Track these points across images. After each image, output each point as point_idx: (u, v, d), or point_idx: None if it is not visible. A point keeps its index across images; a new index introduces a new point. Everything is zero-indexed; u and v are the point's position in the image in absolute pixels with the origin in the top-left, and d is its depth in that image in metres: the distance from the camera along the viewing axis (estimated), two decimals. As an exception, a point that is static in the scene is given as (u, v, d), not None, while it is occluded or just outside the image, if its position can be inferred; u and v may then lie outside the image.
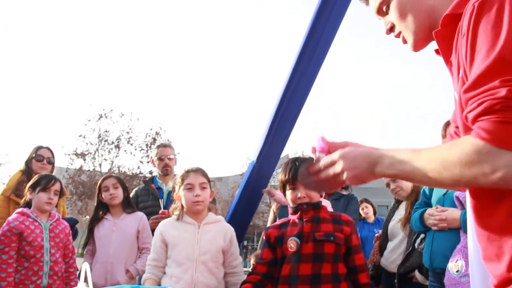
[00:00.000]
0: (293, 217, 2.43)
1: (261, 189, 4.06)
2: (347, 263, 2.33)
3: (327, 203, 3.07)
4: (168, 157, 4.10)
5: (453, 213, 2.75)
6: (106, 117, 21.49)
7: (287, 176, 2.42)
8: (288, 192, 2.45)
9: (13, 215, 3.11)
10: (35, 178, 3.28)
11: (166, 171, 4.09)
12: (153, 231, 3.62)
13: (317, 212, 2.38)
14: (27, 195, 3.19)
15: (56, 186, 3.20)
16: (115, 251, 3.43)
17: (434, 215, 2.83)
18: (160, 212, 3.77)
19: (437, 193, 2.98)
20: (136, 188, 4.26)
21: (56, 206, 3.61)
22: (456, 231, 2.74)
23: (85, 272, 1.14)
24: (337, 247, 2.28)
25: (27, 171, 3.80)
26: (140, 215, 3.63)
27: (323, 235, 2.27)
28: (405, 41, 1.28)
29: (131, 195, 3.91)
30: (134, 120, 22.35)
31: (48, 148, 4.06)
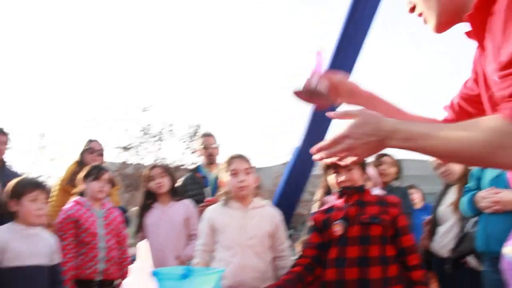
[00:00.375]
0: (338, 202, 2.43)
1: (307, 173, 4.07)
2: (396, 245, 2.31)
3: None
4: (212, 146, 4.18)
5: (508, 195, 2.68)
6: (148, 110, 21.89)
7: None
8: (331, 177, 2.46)
9: (69, 204, 3.26)
10: (86, 168, 3.42)
11: (210, 159, 4.16)
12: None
13: (361, 196, 2.37)
14: (81, 185, 3.33)
15: (107, 175, 3.33)
16: (164, 238, 3.52)
17: (487, 197, 2.76)
18: (206, 200, 3.82)
19: (489, 175, 2.90)
20: (182, 178, 4.34)
21: (109, 196, 3.77)
22: (511, 214, 2.67)
23: (141, 251, 1.18)
24: (384, 229, 2.27)
25: (81, 162, 3.96)
26: (187, 203, 3.70)
27: (369, 218, 2.27)
28: (426, 22, 1.26)
29: (177, 184, 3.98)
30: (175, 112, 22.71)
31: (98, 142, 4.25)
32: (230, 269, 2.43)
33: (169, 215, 3.58)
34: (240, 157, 2.75)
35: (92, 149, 4.14)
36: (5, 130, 4.01)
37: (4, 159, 4.03)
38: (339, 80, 1.58)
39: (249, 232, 2.60)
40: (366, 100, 1.58)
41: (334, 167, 2.43)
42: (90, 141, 4.21)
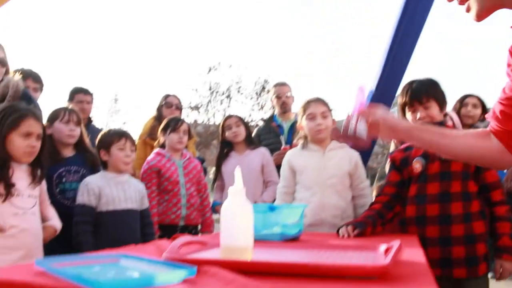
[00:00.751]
0: None
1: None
2: (478, 181, 2.24)
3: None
4: (286, 95, 4.16)
5: None
6: (215, 69, 22.15)
7: (404, 99, 2.40)
8: (408, 115, 2.41)
9: (151, 155, 3.43)
10: (164, 121, 3.54)
11: (284, 108, 4.15)
12: (277, 166, 3.76)
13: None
14: (160, 138, 3.47)
15: (184, 126, 3.44)
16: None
17: None
18: (282, 148, 3.87)
19: None
20: (257, 128, 4.40)
21: (187, 148, 3.91)
22: None
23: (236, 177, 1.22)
24: (465, 165, 2.20)
25: (158, 117, 4.08)
26: (263, 150, 3.75)
27: None
28: (468, 10, 1.19)
29: (253, 135, 4.04)
30: (242, 69, 22.83)
31: (175, 96, 4.32)
32: (310, 207, 2.46)
33: (246, 163, 3.64)
34: (316, 101, 2.75)
35: (170, 103, 4.20)
36: (89, 90, 4.20)
37: (91, 117, 4.25)
38: (379, 118, 1.62)
39: (328, 172, 2.64)
40: (406, 134, 1.62)
41: (410, 105, 2.37)
42: (167, 95, 4.28)
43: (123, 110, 30.73)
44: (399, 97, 2.48)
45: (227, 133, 3.77)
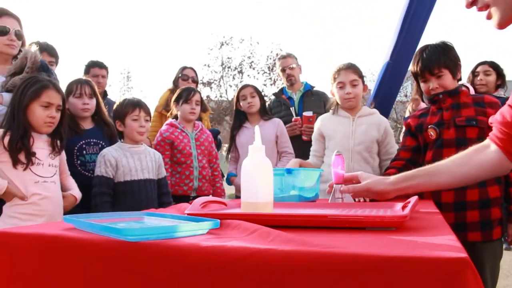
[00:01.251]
0: (432, 107, 2.37)
1: (397, 87, 3.98)
2: None
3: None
4: (290, 66, 4.13)
5: None
6: (227, 44, 22.00)
7: (416, 69, 2.36)
8: (421, 84, 2.38)
9: (164, 127, 3.43)
10: (177, 92, 3.52)
11: (290, 80, 4.14)
12: (290, 138, 3.78)
13: (456, 98, 2.27)
14: (173, 109, 3.48)
15: (197, 97, 3.43)
16: None
17: None
18: (293, 119, 3.90)
19: None
20: (268, 101, 4.41)
21: (201, 120, 3.93)
22: None
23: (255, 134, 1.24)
24: (481, 131, 2.17)
25: (174, 90, 4.09)
26: (277, 121, 3.76)
27: (464, 120, 2.20)
28: (489, 17, 1.15)
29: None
30: (254, 44, 22.65)
31: (191, 68, 4.32)
32: None
33: (260, 133, 3.64)
34: (347, 69, 2.76)
35: (186, 76, 4.22)
36: (104, 64, 4.24)
37: (106, 91, 4.31)
38: (363, 189, 1.66)
39: (356, 139, 2.71)
40: (398, 192, 1.66)
41: (421, 75, 2.34)
42: (184, 67, 4.29)
43: (136, 88, 30.92)
44: (411, 65, 2.45)
45: (241, 103, 3.77)
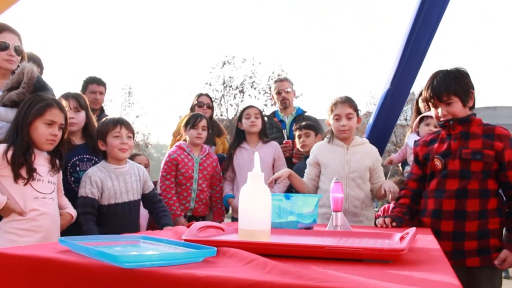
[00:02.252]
0: (442, 132, 2.36)
1: (397, 112, 4.00)
2: (500, 178, 2.22)
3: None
4: (285, 90, 4.21)
5: None
6: (229, 63, 22.16)
7: (426, 94, 2.36)
8: (432, 110, 2.39)
9: (173, 148, 3.52)
10: (185, 118, 3.61)
11: (284, 104, 4.20)
12: None
13: (466, 127, 2.26)
14: (183, 133, 3.56)
15: (203, 123, 3.49)
16: None
17: None
18: (284, 142, 3.95)
19: None
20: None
21: (215, 145, 4.07)
22: None
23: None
24: (486, 165, 2.19)
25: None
26: (275, 144, 3.77)
27: (470, 153, 2.20)
28: None
29: None
30: (256, 64, 22.78)
31: (207, 95, 4.37)
32: None
33: (260, 156, 3.65)
34: (343, 103, 2.91)
35: (201, 103, 4.24)
36: (102, 80, 4.22)
37: (103, 107, 4.30)
38: None
39: (352, 166, 2.87)
40: None
41: (431, 101, 2.33)
42: (200, 95, 4.32)
43: (137, 103, 31.04)
44: (423, 90, 2.46)
45: (244, 121, 3.78)
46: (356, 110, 2.95)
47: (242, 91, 22.34)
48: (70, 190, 2.69)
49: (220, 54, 28.21)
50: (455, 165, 2.24)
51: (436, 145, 2.35)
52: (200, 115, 3.64)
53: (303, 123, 3.75)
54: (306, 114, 4.24)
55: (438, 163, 2.29)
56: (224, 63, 22.23)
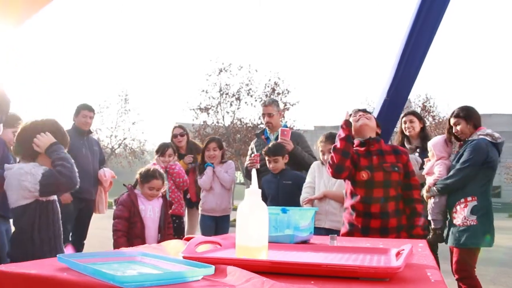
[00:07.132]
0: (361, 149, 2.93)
1: (394, 122, 4.02)
2: (405, 182, 2.87)
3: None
4: (270, 114, 4.67)
5: None
6: (225, 71, 22.13)
7: None
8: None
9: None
10: (157, 146, 4.74)
11: (268, 126, 4.72)
12: (248, 171, 4.57)
13: (379, 145, 2.90)
14: (155, 157, 4.71)
15: (169, 151, 4.60)
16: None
17: None
18: (253, 155, 4.54)
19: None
20: (253, 141, 4.93)
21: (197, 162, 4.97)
22: None
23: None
24: (399, 175, 2.84)
25: (173, 146, 4.90)
26: (229, 162, 4.84)
27: (390, 166, 2.82)
28: None
29: (250, 147, 4.85)
30: (252, 72, 22.78)
31: (180, 127, 5.28)
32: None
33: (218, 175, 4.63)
34: (326, 140, 3.70)
35: (175, 135, 5.15)
36: (92, 107, 5.05)
37: (91, 129, 5.09)
38: None
39: (336, 182, 3.68)
40: None
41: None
42: (173, 128, 5.23)
43: (133, 110, 30.99)
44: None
45: (206, 153, 4.69)
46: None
47: (238, 99, 22.33)
48: None
49: (216, 62, 28.14)
50: (379, 176, 2.82)
51: (360, 159, 2.92)
52: (168, 144, 4.68)
53: (271, 149, 4.17)
54: (293, 129, 4.61)
55: (365, 174, 2.83)
56: (221, 71, 22.21)
